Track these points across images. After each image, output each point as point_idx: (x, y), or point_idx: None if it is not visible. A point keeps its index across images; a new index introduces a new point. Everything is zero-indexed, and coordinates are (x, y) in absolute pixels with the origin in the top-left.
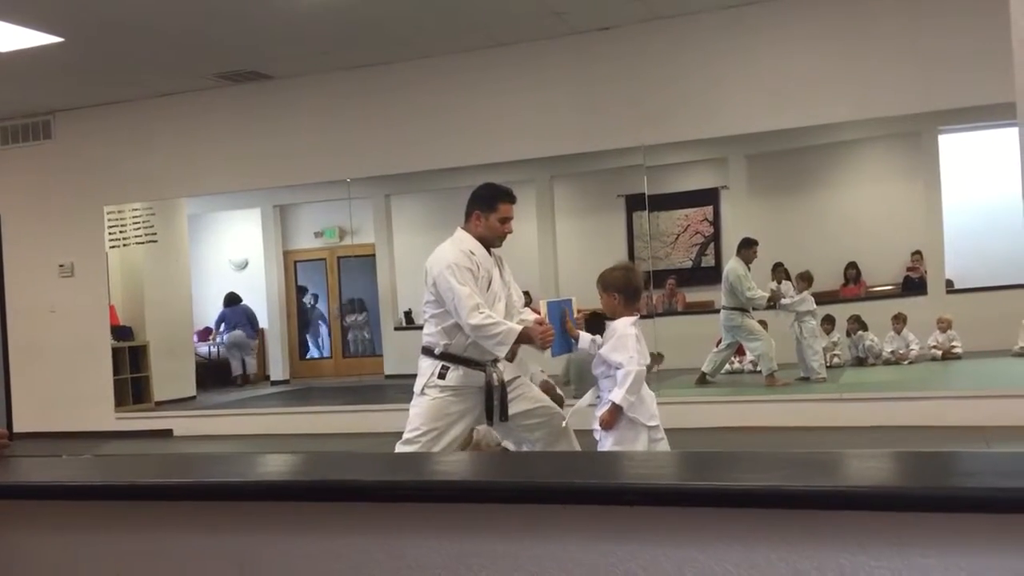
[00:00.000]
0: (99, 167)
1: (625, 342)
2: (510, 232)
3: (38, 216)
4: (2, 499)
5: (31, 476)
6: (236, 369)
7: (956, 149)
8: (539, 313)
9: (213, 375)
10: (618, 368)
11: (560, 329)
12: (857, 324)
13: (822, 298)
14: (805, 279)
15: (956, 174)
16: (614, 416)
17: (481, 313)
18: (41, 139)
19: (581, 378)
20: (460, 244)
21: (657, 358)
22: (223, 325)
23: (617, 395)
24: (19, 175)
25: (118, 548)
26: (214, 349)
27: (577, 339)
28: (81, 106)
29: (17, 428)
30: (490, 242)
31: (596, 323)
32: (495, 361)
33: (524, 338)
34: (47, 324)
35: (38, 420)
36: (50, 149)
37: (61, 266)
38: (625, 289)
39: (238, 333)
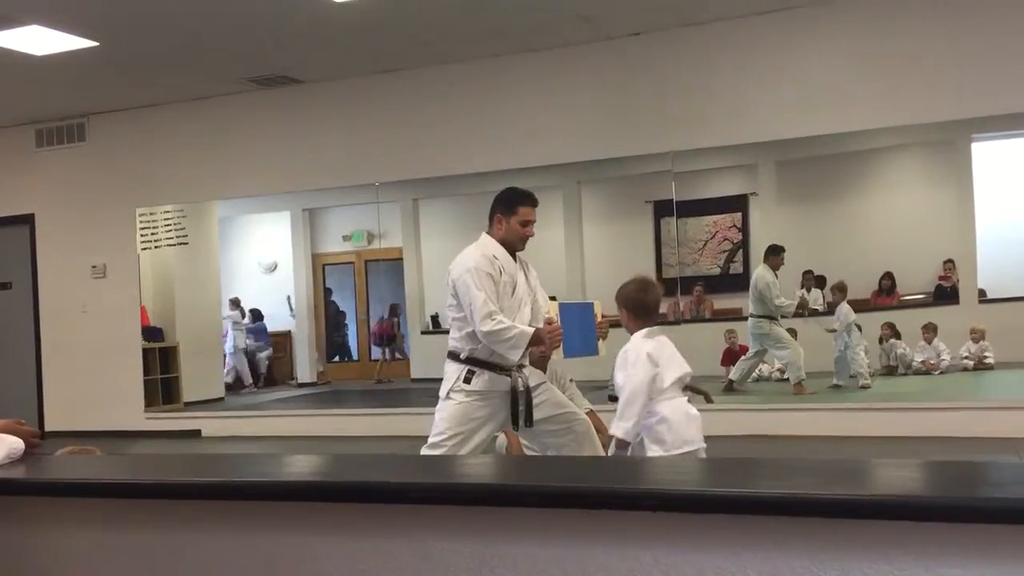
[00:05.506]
0: (132, 169)
1: (627, 358)
2: (531, 235)
3: (71, 217)
4: (33, 496)
5: (62, 474)
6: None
7: (990, 157)
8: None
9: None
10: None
11: (579, 331)
12: (891, 331)
13: (853, 307)
14: (841, 290)
15: (990, 182)
16: (623, 448)
17: (493, 320)
18: (75, 141)
19: None
20: (483, 249)
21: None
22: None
23: (616, 428)
24: (53, 177)
25: (147, 546)
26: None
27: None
28: (115, 109)
29: (48, 427)
30: (513, 245)
31: None
32: (521, 366)
33: (535, 340)
34: (79, 324)
35: (69, 419)
36: (84, 151)
37: (93, 267)
38: (631, 304)
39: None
